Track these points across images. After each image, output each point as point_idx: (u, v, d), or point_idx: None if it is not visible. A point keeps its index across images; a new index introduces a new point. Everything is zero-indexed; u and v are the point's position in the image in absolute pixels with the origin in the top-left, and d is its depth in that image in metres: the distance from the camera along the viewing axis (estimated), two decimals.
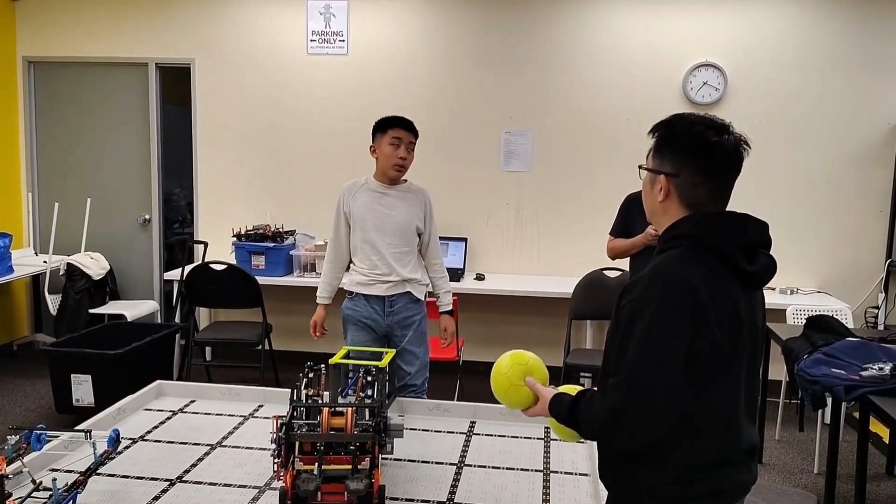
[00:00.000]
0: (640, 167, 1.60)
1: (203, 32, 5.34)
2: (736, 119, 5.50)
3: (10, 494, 1.63)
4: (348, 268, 3.27)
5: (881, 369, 2.70)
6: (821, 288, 4.90)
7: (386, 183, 3.14)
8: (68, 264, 5.16)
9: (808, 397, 2.87)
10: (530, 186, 5.16)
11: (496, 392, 1.70)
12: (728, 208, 1.54)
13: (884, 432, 3.94)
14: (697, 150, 1.48)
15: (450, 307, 3.30)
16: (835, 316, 3.58)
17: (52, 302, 5.17)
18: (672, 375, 1.37)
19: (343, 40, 5.21)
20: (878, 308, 4.84)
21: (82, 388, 4.00)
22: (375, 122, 3.13)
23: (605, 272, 4.35)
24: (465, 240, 5.15)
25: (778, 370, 3.87)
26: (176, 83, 5.55)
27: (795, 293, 4.75)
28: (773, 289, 4.79)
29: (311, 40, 5.24)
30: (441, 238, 4.80)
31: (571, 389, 1.59)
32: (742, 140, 1.51)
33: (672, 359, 1.37)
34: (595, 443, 1.71)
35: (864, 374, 2.73)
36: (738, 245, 1.46)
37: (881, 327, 4.66)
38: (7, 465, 1.66)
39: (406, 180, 3.21)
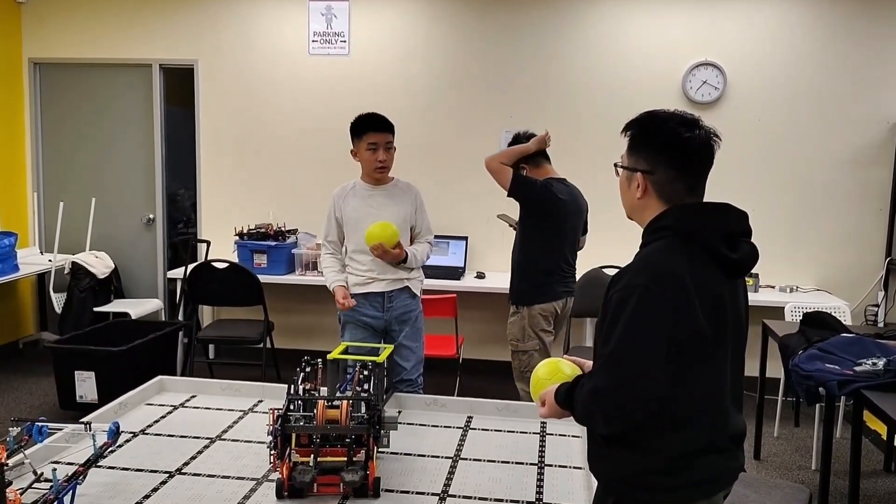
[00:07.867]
0: (615, 165, 1.63)
1: (206, 34, 5.38)
2: (735, 118, 5.45)
3: (11, 483, 1.67)
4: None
5: (875, 364, 2.71)
6: (820, 286, 4.91)
7: (372, 184, 3.17)
8: (73, 263, 5.21)
9: (802, 392, 2.89)
10: None
11: (532, 394, 1.74)
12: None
13: (882, 429, 3.96)
14: (671, 146, 1.52)
15: (407, 252, 3.09)
16: (833, 314, 3.59)
17: (58, 300, 5.22)
18: (652, 361, 1.40)
19: (344, 41, 5.25)
20: (877, 306, 4.85)
21: (86, 385, 4.04)
22: (350, 124, 3.12)
23: (603, 270, 4.37)
24: (465, 239, 5.18)
25: (776, 368, 3.88)
26: (179, 84, 5.60)
27: (795, 291, 4.76)
28: (773, 287, 4.81)
29: (313, 41, 5.27)
30: (441, 237, 4.85)
31: None
32: (712, 133, 1.55)
33: (653, 345, 1.40)
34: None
35: (857, 369, 2.74)
36: (718, 234, 1.50)
37: (881, 325, 4.67)
38: (9, 457, 1.69)
39: (393, 178, 3.23)
